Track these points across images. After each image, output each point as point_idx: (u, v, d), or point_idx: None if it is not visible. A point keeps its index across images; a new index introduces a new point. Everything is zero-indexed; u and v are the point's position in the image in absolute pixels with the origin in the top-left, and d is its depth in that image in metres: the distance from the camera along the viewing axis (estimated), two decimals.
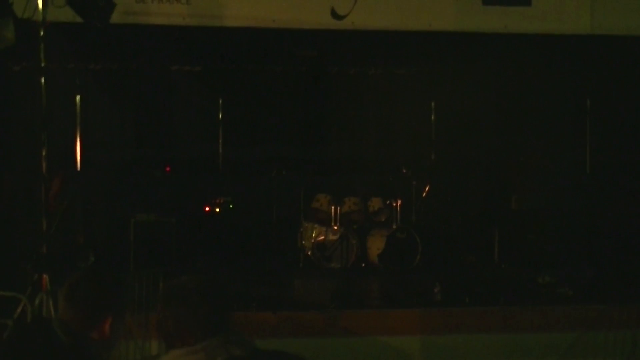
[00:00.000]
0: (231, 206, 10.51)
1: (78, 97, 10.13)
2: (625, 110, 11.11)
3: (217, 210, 10.52)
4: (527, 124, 11.25)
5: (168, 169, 10.71)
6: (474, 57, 10.29)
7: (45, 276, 6.24)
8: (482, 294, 8.70)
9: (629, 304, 8.23)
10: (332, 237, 10.01)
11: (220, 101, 11.17)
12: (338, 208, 10.22)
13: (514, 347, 7.98)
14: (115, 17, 7.42)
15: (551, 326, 8.10)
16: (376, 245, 10.14)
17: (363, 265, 10.19)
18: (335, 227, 10.12)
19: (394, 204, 10.41)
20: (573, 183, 11.00)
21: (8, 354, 3.27)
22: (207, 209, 10.52)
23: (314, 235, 10.11)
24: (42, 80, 6.35)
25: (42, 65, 6.38)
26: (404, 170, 10.69)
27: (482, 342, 7.97)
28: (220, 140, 11.19)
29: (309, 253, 10.04)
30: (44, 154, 6.44)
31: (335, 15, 8.79)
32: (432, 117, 11.31)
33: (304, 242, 10.23)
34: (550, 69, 10.86)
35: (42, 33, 6.41)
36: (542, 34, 9.28)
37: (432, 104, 11.25)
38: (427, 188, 10.72)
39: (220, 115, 11.26)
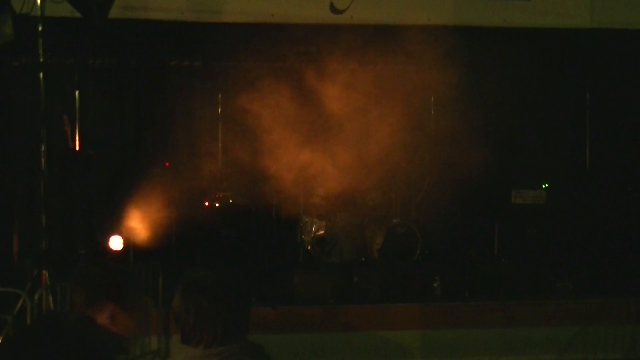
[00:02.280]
0: (230, 201, 10.51)
1: (77, 93, 10.12)
2: (625, 104, 11.05)
3: (217, 205, 10.51)
4: (527, 118, 11.23)
5: (167, 164, 10.68)
6: (473, 51, 10.26)
7: (44, 272, 6.22)
8: (482, 288, 8.70)
9: (628, 298, 8.22)
10: (331, 231, 10.00)
11: (220, 96, 11.18)
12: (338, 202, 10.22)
13: (514, 341, 7.98)
14: (114, 12, 7.39)
15: (551, 320, 8.10)
16: (376, 239, 10.14)
17: (363, 259, 10.19)
18: (335, 222, 10.11)
19: (394, 198, 10.43)
20: (572, 177, 10.99)
21: (18, 343, 3.28)
22: (206, 204, 10.50)
23: (313, 229, 10.11)
24: (41, 75, 6.33)
25: (41, 60, 6.36)
26: (404, 165, 10.69)
27: (482, 336, 7.99)
28: (220, 136, 11.20)
29: (309, 248, 10.04)
30: (43, 149, 6.42)
31: (334, 9, 8.76)
32: (432, 112, 11.30)
33: (303, 236, 10.21)
34: (550, 62, 10.84)
35: (40, 28, 6.38)
36: (542, 28, 9.24)
37: (432, 99, 11.24)
38: (426, 182, 10.75)
39: (219, 111, 11.27)
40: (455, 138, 10.56)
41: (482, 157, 9.96)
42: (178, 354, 2.89)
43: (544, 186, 10.46)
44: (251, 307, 3.02)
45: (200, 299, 2.85)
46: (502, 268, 9.43)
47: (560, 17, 9.03)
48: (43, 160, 6.40)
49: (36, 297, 6.15)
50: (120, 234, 9.39)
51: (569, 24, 9.11)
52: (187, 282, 2.93)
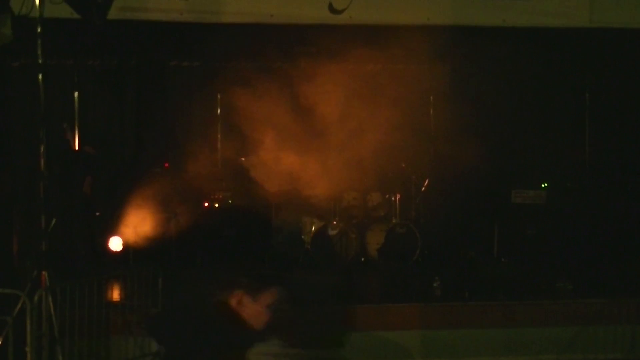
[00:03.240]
0: (230, 201, 10.50)
1: (76, 94, 10.10)
2: (624, 103, 11.09)
3: (217, 205, 10.52)
4: (526, 118, 11.27)
5: (167, 165, 10.67)
6: (472, 51, 10.24)
7: (44, 273, 6.20)
8: (482, 288, 8.67)
9: (628, 298, 8.14)
10: (331, 232, 10.02)
11: (219, 97, 11.15)
12: (337, 203, 10.24)
13: (514, 342, 7.91)
14: (113, 13, 7.36)
15: (551, 321, 8.02)
16: (375, 240, 10.17)
17: (362, 260, 10.17)
18: (335, 222, 10.12)
19: (393, 199, 10.44)
20: (572, 177, 11.01)
21: None
22: (206, 204, 10.50)
23: (313, 230, 10.11)
24: (40, 77, 6.30)
25: (40, 61, 6.33)
26: (403, 165, 10.70)
27: (482, 337, 7.91)
28: (219, 136, 11.18)
29: (309, 248, 10.03)
30: (42, 150, 6.39)
31: (332, 9, 8.73)
32: (431, 112, 11.28)
33: (303, 237, 10.23)
34: (550, 62, 10.85)
35: (39, 29, 6.35)
36: (541, 28, 9.21)
37: (431, 99, 11.23)
38: (426, 182, 10.78)
39: (219, 111, 11.25)
40: (455, 138, 10.56)
41: (482, 157, 9.96)
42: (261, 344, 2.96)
43: (543, 186, 10.53)
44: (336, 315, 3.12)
45: (284, 303, 2.96)
46: (502, 268, 9.54)
47: (559, 17, 9.00)
48: (42, 160, 6.37)
49: (36, 298, 6.13)
50: (119, 234, 9.39)
51: (569, 23, 9.07)
52: (279, 285, 3.06)
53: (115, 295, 7.81)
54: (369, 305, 8.20)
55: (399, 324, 7.90)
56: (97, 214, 10.17)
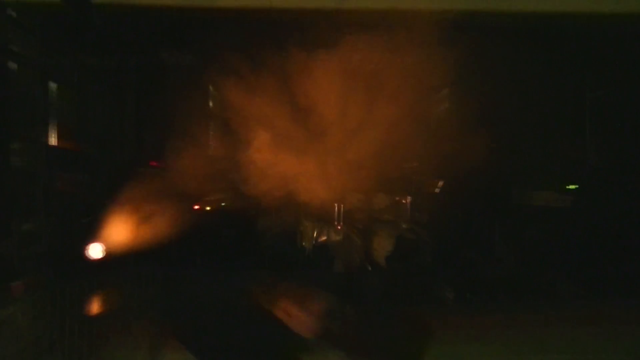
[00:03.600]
0: (229, 203, 10.35)
1: (55, 86, 9.94)
2: (626, 103, 10.99)
3: (215, 207, 10.40)
4: (527, 119, 11.14)
5: (154, 163, 10.45)
6: (479, 44, 10.01)
7: (16, 283, 5.97)
8: (483, 290, 8.90)
9: (629, 300, 8.45)
10: (335, 237, 9.85)
11: (218, 95, 10.87)
12: (341, 206, 10.00)
13: (515, 343, 7.93)
14: None
15: (552, 322, 8.18)
16: (381, 245, 9.97)
17: (370, 268, 9.97)
18: (339, 227, 9.92)
19: (404, 201, 10.32)
20: (574, 178, 11.02)
21: None
22: (205, 205, 10.40)
23: (315, 235, 9.92)
24: (9, 64, 5.97)
25: (8, 47, 6.00)
26: (411, 166, 10.52)
27: (482, 338, 7.96)
28: (219, 135, 10.96)
29: (310, 253, 9.88)
30: (15, 147, 6.19)
31: None
32: (434, 111, 11.10)
33: (304, 242, 10.04)
34: (553, 61, 10.77)
35: (8, 13, 6.02)
36: (543, 13, 8.97)
37: (434, 98, 11.02)
38: (440, 184, 10.66)
39: (217, 110, 10.98)
40: (461, 138, 10.37)
41: (484, 157, 9.76)
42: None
43: (554, 188, 10.61)
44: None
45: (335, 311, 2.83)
46: (503, 270, 9.59)
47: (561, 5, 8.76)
48: (18, 159, 6.13)
49: (11, 309, 5.81)
50: (102, 240, 9.08)
51: (570, 9, 8.81)
52: None
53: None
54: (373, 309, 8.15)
55: (402, 329, 7.67)
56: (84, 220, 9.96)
